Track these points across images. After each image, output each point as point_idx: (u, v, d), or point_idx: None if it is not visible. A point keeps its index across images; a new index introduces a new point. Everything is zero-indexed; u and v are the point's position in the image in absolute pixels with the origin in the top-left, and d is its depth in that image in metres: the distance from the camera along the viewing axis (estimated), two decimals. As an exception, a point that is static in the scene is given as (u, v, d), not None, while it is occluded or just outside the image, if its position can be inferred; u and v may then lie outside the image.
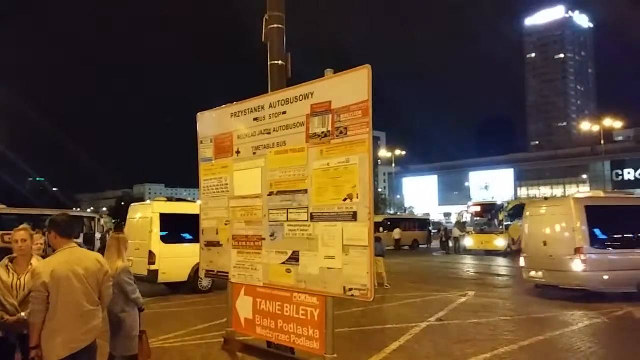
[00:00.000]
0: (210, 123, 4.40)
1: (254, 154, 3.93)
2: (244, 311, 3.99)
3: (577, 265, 11.98)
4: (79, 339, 3.91)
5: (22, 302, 4.33)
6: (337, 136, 3.29)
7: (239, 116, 4.09)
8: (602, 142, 57.65)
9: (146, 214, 14.49)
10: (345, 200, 3.21)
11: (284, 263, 3.62)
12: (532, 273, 13.49)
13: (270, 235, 3.75)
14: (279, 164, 3.70)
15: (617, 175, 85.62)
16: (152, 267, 13.17)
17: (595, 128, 58.96)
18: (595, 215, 12.35)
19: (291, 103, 3.64)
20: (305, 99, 3.52)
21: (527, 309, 11.47)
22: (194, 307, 12.19)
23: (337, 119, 3.28)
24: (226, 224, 4.17)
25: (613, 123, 56.67)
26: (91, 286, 4.02)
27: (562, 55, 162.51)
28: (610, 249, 12.63)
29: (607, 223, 12.69)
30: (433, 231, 41.63)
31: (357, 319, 10.08)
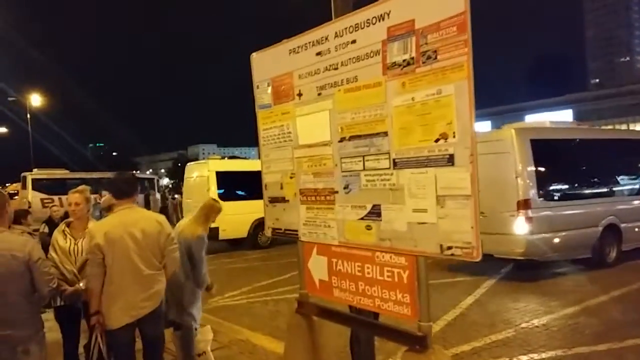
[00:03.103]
0: (266, 64, 3.87)
1: (319, 94, 3.38)
2: (318, 272, 3.57)
3: (521, 226, 8.50)
4: (138, 305, 3.63)
5: (81, 268, 4.11)
6: (423, 63, 2.68)
7: (298, 52, 3.53)
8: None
9: (202, 172, 14.50)
10: (437, 141, 2.64)
11: (362, 219, 3.13)
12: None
13: (344, 188, 3.25)
14: (351, 104, 3.15)
15: (687, 111, 79.32)
16: (213, 225, 13.15)
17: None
18: (543, 153, 8.91)
19: (362, 29, 3.04)
20: (379, 21, 2.91)
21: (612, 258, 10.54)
22: (255, 263, 12.17)
23: (424, 41, 2.67)
24: (291, 177, 3.70)
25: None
26: (150, 249, 3.69)
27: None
28: (564, 200, 9.27)
29: (559, 164, 9.44)
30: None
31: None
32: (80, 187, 4.47)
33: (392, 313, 3.02)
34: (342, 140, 3.22)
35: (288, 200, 3.77)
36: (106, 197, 7.25)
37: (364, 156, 3.08)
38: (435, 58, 2.62)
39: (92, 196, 4.71)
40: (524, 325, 6.30)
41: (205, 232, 4.73)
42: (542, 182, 8.78)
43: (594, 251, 9.39)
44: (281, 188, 3.82)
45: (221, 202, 14.80)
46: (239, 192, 14.15)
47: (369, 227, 3.10)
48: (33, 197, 21.84)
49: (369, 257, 3.15)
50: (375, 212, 3.04)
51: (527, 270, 9.16)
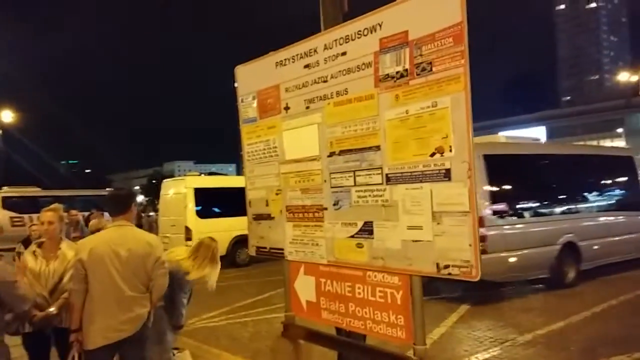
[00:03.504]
0: (252, 77, 3.75)
1: (307, 108, 3.27)
2: (305, 293, 3.42)
3: None
4: (116, 328, 3.43)
5: (53, 291, 3.86)
6: (418, 75, 2.60)
7: (285, 65, 3.42)
8: (642, 92, 54.67)
9: (180, 189, 14.19)
10: (433, 155, 2.55)
11: (353, 236, 3.00)
12: None
13: (334, 204, 3.12)
14: (341, 118, 3.05)
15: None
16: (189, 243, 12.88)
17: (634, 78, 55.92)
18: (497, 169, 8.36)
19: (352, 40, 2.95)
20: (371, 32, 2.83)
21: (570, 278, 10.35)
22: (234, 282, 11.86)
23: (418, 53, 2.59)
24: (277, 194, 3.56)
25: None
26: (133, 270, 3.49)
27: (593, 5, 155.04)
28: (520, 217, 8.72)
29: (513, 180, 8.93)
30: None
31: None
32: (53, 205, 4.23)
33: (385, 336, 2.88)
34: (331, 154, 3.11)
35: (274, 218, 3.62)
36: (94, 221, 7.01)
37: (354, 171, 2.97)
38: (431, 70, 2.54)
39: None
40: (509, 343, 6.21)
41: (198, 274, 4.36)
42: (496, 199, 8.28)
43: (551, 271, 8.86)
44: (266, 205, 3.67)
45: (199, 219, 14.39)
46: (217, 209, 13.89)
47: (360, 245, 2.97)
48: (3, 216, 21.11)
49: (360, 277, 3.02)
50: (367, 230, 2.92)
51: (499, 289, 9.00)
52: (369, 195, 2.88)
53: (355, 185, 2.97)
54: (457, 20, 2.40)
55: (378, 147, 2.82)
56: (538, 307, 8.10)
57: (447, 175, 2.50)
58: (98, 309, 3.42)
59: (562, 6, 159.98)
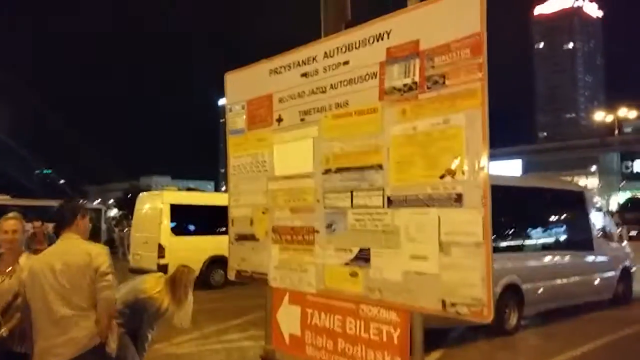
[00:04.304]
0: (242, 84, 3.48)
1: (302, 120, 3.01)
2: (289, 325, 3.10)
3: None
4: (50, 351, 3.07)
5: (5, 311, 3.45)
6: (428, 88, 2.36)
7: (280, 72, 3.17)
8: (617, 132, 56.30)
9: (155, 204, 13.69)
10: (442, 177, 2.29)
11: (347, 264, 2.71)
12: None
13: (327, 227, 2.84)
14: (339, 132, 2.79)
15: (627, 167, 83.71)
16: (162, 261, 12.36)
17: (609, 118, 57.59)
18: None
19: (356, 49, 2.72)
20: (377, 40, 2.60)
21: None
22: (206, 305, 11.34)
23: (430, 64, 2.35)
24: (264, 212, 3.26)
25: (628, 113, 55.26)
26: (72, 285, 3.09)
27: (570, 46, 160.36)
28: None
29: None
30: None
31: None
32: (12, 214, 3.84)
33: (379, 378, 2.57)
34: (327, 172, 2.84)
35: (258, 239, 3.32)
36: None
37: (352, 191, 2.70)
38: (443, 83, 2.30)
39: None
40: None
41: (170, 306, 3.92)
42: None
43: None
44: (251, 224, 3.37)
45: (173, 236, 13.85)
46: (193, 227, 13.44)
47: (354, 274, 2.68)
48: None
49: (353, 310, 2.72)
50: (363, 257, 2.64)
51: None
52: (368, 219, 2.61)
53: (352, 207, 2.70)
54: (475, 30, 2.18)
55: (380, 166, 2.56)
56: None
57: (458, 200, 2.24)
58: (37, 331, 3.12)
59: (541, 45, 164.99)
